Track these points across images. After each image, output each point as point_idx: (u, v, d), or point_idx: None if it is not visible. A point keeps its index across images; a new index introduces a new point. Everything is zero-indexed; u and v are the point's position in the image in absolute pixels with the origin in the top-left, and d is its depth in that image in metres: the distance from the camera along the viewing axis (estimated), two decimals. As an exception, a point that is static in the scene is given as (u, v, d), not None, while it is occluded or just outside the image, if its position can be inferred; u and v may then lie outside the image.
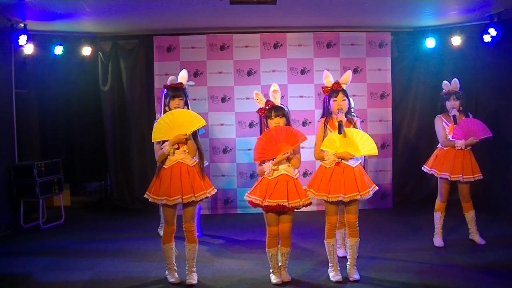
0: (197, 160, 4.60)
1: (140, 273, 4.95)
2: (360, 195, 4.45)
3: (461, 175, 5.49)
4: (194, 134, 4.59)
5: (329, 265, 4.70)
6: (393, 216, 7.19)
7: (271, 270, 4.65)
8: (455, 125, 5.54)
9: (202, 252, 5.60)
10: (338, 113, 4.52)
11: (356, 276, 4.59)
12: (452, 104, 5.61)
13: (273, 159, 4.44)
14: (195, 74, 7.52)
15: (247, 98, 7.37)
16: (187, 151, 4.54)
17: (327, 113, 4.68)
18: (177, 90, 4.66)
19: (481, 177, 5.61)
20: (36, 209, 6.86)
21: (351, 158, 4.53)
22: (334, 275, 4.62)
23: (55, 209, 7.34)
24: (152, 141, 4.55)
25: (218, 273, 4.96)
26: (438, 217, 5.67)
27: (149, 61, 7.70)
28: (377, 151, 4.52)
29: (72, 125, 8.34)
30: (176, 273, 4.71)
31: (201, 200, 4.61)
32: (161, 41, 7.60)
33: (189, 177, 4.51)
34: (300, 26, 7.52)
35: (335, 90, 4.61)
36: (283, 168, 4.47)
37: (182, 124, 4.50)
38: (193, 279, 4.63)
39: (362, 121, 5.54)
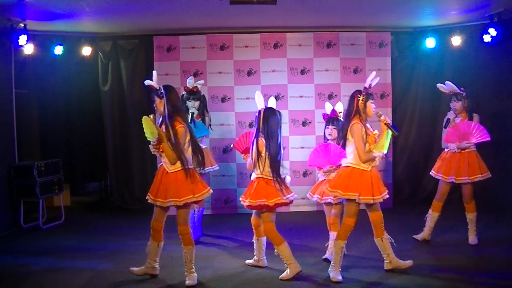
0: (182, 167, 4.48)
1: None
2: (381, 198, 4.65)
3: (466, 177, 5.49)
4: (176, 143, 4.44)
5: (332, 264, 4.70)
6: (393, 216, 7.17)
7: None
8: (444, 128, 5.59)
9: (202, 252, 5.60)
10: (381, 115, 4.70)
11: None
12: (454, 106, 5.62)
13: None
14: (195, 74, 7.52)
15: (247, 98, 7.37)
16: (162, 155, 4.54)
17: (356, 114, 4.64)
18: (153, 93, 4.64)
19: (488, 176, 5.60)
20: (36, 209, 6.86)
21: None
22: (334, 274, 4.62)
23: (55, 209, 7.35)
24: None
25: (218, 273, 4.96)
26: (432, 215, 5.70)
27: (149, 61, 7.70)
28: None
29: (72, 125, 8.34)
30: (142, 269, 4.73)
31: (186, 204, 4.54)
32: (161, 41, 7.60)
33: (167, 182, 4.49)
34: (300, 26, 7.52)
35: (371, 93, 4.78)
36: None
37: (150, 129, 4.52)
38: (192, 279, 4.62)
39: None
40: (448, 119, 5.62)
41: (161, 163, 4.62)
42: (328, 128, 5.19)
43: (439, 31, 7.46)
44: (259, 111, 4.84)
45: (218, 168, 6.29)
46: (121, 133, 7.99)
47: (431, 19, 7.16)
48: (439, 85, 5.70)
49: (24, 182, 6.70)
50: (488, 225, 6.26)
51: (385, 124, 4.59)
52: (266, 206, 4.69)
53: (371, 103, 4.65)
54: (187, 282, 4.60)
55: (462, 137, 5.48)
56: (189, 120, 5.68)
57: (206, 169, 5.92)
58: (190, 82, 6.04)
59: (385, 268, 4.77)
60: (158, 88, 4.59)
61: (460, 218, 5.84)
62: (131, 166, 7.98)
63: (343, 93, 7.60)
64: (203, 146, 5.92)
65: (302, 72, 7.60)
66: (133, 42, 7.84)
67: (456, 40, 7.27)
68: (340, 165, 4.87)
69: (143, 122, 4.53)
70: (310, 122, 7.58)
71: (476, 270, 4.82)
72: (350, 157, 4.62)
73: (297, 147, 7.45)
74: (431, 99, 7.87)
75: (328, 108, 5.35)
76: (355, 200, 4.55)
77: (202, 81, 6.24)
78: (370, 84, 4.66)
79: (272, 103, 5.04)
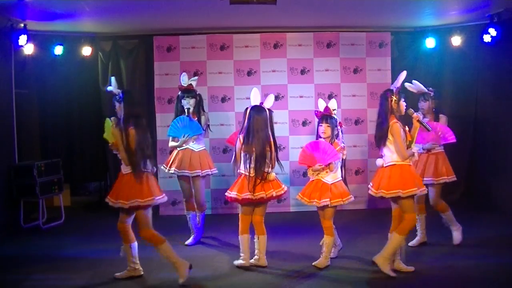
0: (131, 170, 4.60)
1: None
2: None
3: (430, 179, 5.42)
4: (126, 144, 4.58)
5: (398, 257, 4.79)
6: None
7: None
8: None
9: (202, 252, 5.61)
10: (413, 113, 4.80)
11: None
12: (421, 106, 5.54)
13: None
14: (195, 74, 7.51)
15: (247, 98, 7.26)
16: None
17: (391, 114, 4.74)
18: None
19: (453, 178, 5.51)
20: (36, 209, 6.86)
21: None
22: (388, 268, 4.70)
23: (55, 209, 7.34)
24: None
25: (218, 273, 4.96)
26: (419, 218, 5.54)
27: (149, 61, 7.70)
28: None
29: (72, 125, 8.32)
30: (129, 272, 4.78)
31: (134, 206, 4.61)
32: (161, 41, 7.59)
33: (120, 183, 4.66)
34: (300, 26, 7.52)
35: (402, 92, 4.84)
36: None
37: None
38: (181, 276, 4.62)
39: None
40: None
41: None
42: (321, 126, 5.05)
43: (439, 31, 7.46)
44: (246, 109, 5.02)
45: (216, 171, 6.18)
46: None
47: (431, 19, 7.15)
48: (407, 84, 5.57)
49: (24, 182, 6.69)
50: (486, 225, 6.26)
51: (418, 121, 4.78)
52: (236, 200, 5.00)
53: (403, 101, 4.78)
54: (180, 281, 4.61)
55: (428, 138, 5.37)
56: (187, 116, 5.78)
57: (204, 171, 5.89)
58: (184, 80, 5.95)
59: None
60: (117, 93, 4.79)
61: (460, 219, 5.81)
62: (131, 166, 7.96)
63: (343, 93, 7.61)
64: (200, 147, 5.93)
65: (302, 72, 7.59)
66: (133, 42, 7.84)
67: (456, 40, 7.27)
68: (329, 164, 4.88)
69: (105, 125, 4.77)
70: (310, 122, 7.58)
71: (477, 271, 4.82)
72: (393, 156, 4.67)
73: (297, 147, 7.43)
74: (431, 99, 7.86)
75: (321, 105, 5.21)
76: (415, 195, 4.66)
77: (196, 78, 6.15)
78: (400, 84, 4.84)
79: (269, 101, 5.13)
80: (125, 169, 4.65)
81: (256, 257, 5.06)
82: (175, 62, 7.53)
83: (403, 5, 6.41)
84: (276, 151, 5.02)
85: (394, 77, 7.64)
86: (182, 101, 5.87)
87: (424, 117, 5.53)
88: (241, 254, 5.03)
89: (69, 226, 6.90)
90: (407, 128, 4.80)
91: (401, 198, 4.60)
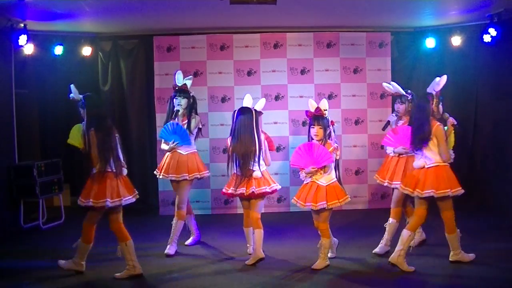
0: (97, 170, 4.80)
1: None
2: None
3: (399, 183, 5.21)
4: (88, 146, 4.81)
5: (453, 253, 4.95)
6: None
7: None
8: (382, 131, 5.45)
9: (202, 252, 5.61)
10: (448, 117, 4.99)
11: None
12: (397, 108, 5.43)
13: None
14: (195, 74, 7.52)
15: (247, 98, 7.35)
16: None
17: (432, 116, 4.88)
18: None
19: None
20: (36, 209, 6.86)
21: None
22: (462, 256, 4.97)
23: (55, 209, 7.34)
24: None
25: (218, 273, 4.96)
26: (390, 223, 5.40)
27: (149, 61, 7.70)
28: None
29: (72, 125, 8.26)
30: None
31: (100, 206, 4.73)
32: (161, 41, 7.60)
33: (90, 183, 4.82)
34: (300, 26, 7.52)
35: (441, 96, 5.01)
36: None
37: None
38: (122, 275, 4.78)
39: None
40: (388, 121, 5.44)
41: None
42: (313, 128, 4.97)
43: (439, 31, 7.46)
44: (233, 111, 5.21)
45: (208, 174, 5.85)
46: (121, 133, 7.91)
47: (431, 19, 7.15)
48: (385, 84, 5.53)
49: (24, 182, 6.69)
50: (486, 225, 6.26)
51: (452, 125, 5.00)
52: (224, 194, 5.41)
53: (441, 105, 4.96)
54: (116, 275, 4.79)
55: (400, 141, 5.20)
56: (173, 118, 5.57)
57: (192, 175, 5.62)
58: (178, 78, 5.69)
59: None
60: (79, 99, 4.97)
61: (460, 219, 5.79)
62: (131, 166, 7.89)
63: (343, 93, 7.61)
64: (189, 150, 5.65)
65: (302, 72, 7.60)
66: (133, 42, 7.83)
67: (456, 40, 7.27)
68: (324, 166, 4.85)
69: (75, 130, 4.98)
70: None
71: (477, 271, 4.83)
72: (437, 157, 4.80)
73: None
74: (431, 99, 7.87)
75: (311, 105, 5.09)
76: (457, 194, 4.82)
77: (191, 77, 5.88)
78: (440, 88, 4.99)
79: (259, 104, 5.38)
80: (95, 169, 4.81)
81: (251, 250, 5.26)
82: (175, 62, 7.53)
83: (403, 5, 6.40)
84: (259, 150, 5.13)
85: (394, 77, 7.68)
86: (174, 100, 5.63)
87: (399, 119, 5.45)
88: (247, 245, 5.42)
89: (69, 226, 6.88)
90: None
91: (450, 197, 4.80)
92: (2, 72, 6.70)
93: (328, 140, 4.96)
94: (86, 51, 7.52)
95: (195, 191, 7.60)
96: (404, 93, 5.45)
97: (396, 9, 6.57)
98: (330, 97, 7.52)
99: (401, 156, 5.32)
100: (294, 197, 5.08)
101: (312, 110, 5.04)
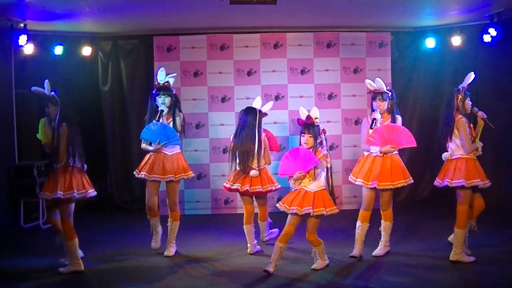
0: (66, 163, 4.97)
1: (139, 273, 4.96)
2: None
3: (375, 182, 5.12)
4: (56, 142, 4.98)
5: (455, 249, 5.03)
6: (393, 216, 7.17)
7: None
8: (370, 129, 5.16)
9: (202, 252, 5.61)
10: (478, 111, 5.15)
11: None
12: (377, 105, 5.23)
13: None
14: (195, 74, 7.53)
15: (247, 98, 7.35)
16: None
17: (457, 111, 5.09)
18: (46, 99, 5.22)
19: (410, 181, 5.25)
20: (36, 209, 6.86)
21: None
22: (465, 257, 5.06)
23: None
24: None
25: (218, 273, 4.96)
26: (358, 226, 5.30)
27: (149, 61, 7.70)
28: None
29: (71, 125, 8.31)
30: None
31: (67, 198, 4.88)
32: (161, 41, 7.60)
33: (57, 177, 4.93)
34: (300, 26, 7.52)
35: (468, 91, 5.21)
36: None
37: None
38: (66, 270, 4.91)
39: None
40: (374, 119, 5.18)
41: None
42: (303, 136, 4.85)
43: (439, 31, 7.46)
44: (240, 111, 5.46)
45: (193, 175, 5.66)
46: (121, 133, 7.98)
47: (431, 19, 7.15)
48: (367, 81, 5.33)
49: (24, 182, 6.69)
50: (489, 226, 6.24)
51: (482, 119, 5.09)
52: (225, 188, 5.66)
53: (468, 100, 5.09)
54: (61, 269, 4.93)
55: (387, 140, 5.09)
56: (157, 119, 5.37)
57: (178, 176, 5.44)
58: (161, 76, 5.46)
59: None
60: (51, 96, 5.16)
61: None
62: (131, 166, 7.92)
63: (343, 93, 7.61)
64: (174, 150, 5.50)
65: (302, 72, 7.59)
66: (133, 42, 7.84)
67: (456, 40, 7.27)
68: (311, 170, 4.73)
69: (40, 124, 5.11)
70: (310, 122, 7.57)
71: (476, 273, 4.82)
72: (460, 150, 4.99)
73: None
74: (431, 99, 7.88)
75: (302, 113, 4.96)
76: (477, 186, 4.96)
77: (174, 75, 5.63)
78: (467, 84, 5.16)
79: (266, 106, 5.56)
80: (57, 164, 4.96)
81: (253, 249, 5.56)
82: (175, 62, 7.53)
83: (403, 5, 6.40)
84: (259, 149, 5.33)
85: (394, 77, 7.70)
86: (157, 99, 5.39)
87: (380, 117, 5.29)
88: (248, 245, 5.53)
89: (69, 226, 6.89)
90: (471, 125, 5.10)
91: (465, 188, 4.92)
92: (2, 72, 6.71)
93: (319, 148, 4.81)
94: (86, 51, 7.52)
95: (195, 191, 7.61)
96: (386, 90, 5.30)
97: (396, 9, 6.57)
98: (330, 97, 7.52)
99: (385, 155, 5.15)
100: (280, 202, 4.92)
101: (303, 118, 4.92)
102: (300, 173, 4.72)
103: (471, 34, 7.19)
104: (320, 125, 4.94)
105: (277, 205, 4.93)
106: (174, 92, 5.54)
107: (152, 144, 5.44)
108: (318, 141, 4.84)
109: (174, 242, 5.57)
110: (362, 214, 5.32)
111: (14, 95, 6.92)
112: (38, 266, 5.20)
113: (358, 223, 5.32)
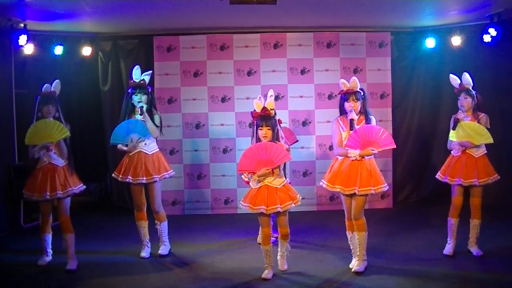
0: (67, 162, 5.14)
1: (139, 273, 4.96)
2: None
3: (356, 188, 4.68)
4: (64, 140, 5.15)
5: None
6: (393, 216, 7.19)
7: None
8: (350, 131, 4.71)
9: (202, 252, 5.61)
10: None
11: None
12: (351, 106, 4.78)
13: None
14: (195, 74, 7.53)
15: (247, 98, 7.37)
16: (57, 153, 5.13)
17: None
18: (49, 98, 5.41)
19: (386, 188, 4.81)
20: (36, 209, 6.84)
21: None
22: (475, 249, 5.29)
23: (55, 209, 7.31)
24: (26, 144, 5.13)
25: (218, 273, 4.96)
26: (350, 237, 5.00)
27: (149, 61, 7.70)
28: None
29: (71, 125, 8.30)
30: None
31: (68, 195, 5.14)
32: (161, 41, 7.60)
33: (58, 176, 5.09)
34: (300, 26, 7.52)
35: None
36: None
37: (48, 133, 5.10)
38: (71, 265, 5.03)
39: None
40: (352, 120, 4.74)
41: (37, 165, 5.20)
42: (261, 129, 4.62)
43: (439, 31, 7.46)
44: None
45: (173, 173, 5.53)
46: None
47: (431, 19, 7.16)
48: (342, 80, 4.88)
49: (24, 182, 6.66)
50: (488, 226, 6.24)
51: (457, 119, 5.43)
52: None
53: (464, 99, 5.55)
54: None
55: (367, 143, 4.69)
56: (140, 114, 5.24)
57: (161, 175, 5.33)
58: (136, 74, 5.34)
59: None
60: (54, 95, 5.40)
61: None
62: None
63: (343, 93, 7.60)
64: (154, 149, 5.40)
65: (302, 72, 7.60)
66: (133, 42, 7.84)
67: (456, 40, 7.27)
68: (276, 167, 4.57)
69: (48, 124, 5.25)
70: (310, 122, 7.58)
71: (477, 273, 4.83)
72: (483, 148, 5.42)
73: (297, 147, 7.41)
74: (431, 99, 7.88)
75: (257, 105, 4.69)
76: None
77: (150, 72, 5.46)
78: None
79: (269, 99, 5.20)
80: (61, 162, 5.15)
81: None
82: (175, 62, 7.54)
83: (403, 5, 6.41)
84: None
85: (394, 77, 7.70)
86: (133, 97, 5.25)
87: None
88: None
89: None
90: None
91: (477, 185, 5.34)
92: (2, 72, 6.70)
93: (280, 142, 4.66)
94: (86, 51, 7.52)
95: (195, 191, 7.62)
96: (358, 89, 4.84)
97: (396, 9, 6.57)
98: (330, 97, 7.52)
99: (362, 159, 4.75)
100: (241, 201, 4.71)
101: (258, 110, 4.66)
102: (267, 170, 4.54)
103: (471, 34, 7.20)
104: (276, 116, 4.71)
105: (240, 205, 4.75)
106: (150, 90, 5.45)
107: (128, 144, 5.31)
108: (275, 132, 4.64)
109: (167, 240, 5.53)
110: (349, 224, 4.97)
111: (14, 95, 6.91)
112: (38, 266, 5.19)
113: (348, 234, 5.00)
